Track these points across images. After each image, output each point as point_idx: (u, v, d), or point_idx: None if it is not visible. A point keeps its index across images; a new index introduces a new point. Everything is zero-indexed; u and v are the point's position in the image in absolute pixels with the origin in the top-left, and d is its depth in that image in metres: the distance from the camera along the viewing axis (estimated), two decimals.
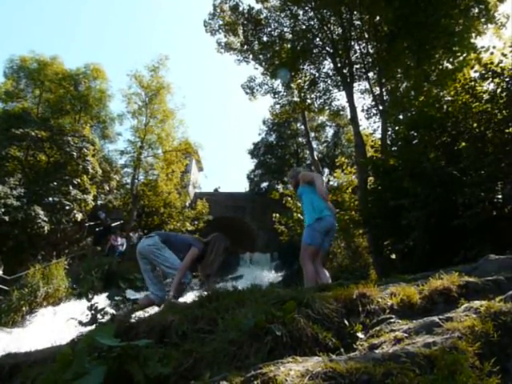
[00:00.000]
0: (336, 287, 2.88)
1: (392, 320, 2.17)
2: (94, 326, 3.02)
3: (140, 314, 3.65)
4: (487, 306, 1.86)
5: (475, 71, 8.07)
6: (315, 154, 21.87)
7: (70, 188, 16.40)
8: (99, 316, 3.06)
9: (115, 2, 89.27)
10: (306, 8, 16.00)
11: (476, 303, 1.95)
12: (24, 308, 11.06)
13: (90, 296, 3.15)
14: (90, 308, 3.05)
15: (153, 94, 22.30)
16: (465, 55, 10.43)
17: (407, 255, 7.67)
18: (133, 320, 3.04)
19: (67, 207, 15.97)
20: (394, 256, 9.23)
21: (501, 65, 7.40)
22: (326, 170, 27.79)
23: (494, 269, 2.76)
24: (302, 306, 2.32)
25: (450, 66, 10.91)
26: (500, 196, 6.23)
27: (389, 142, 11.50)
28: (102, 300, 3.99)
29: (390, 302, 2.38)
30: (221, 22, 18.10)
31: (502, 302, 1.95)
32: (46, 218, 14.87)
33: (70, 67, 22.10)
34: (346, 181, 15.57)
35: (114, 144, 25.05)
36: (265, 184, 31.18)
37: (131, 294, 12.69)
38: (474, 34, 12.30)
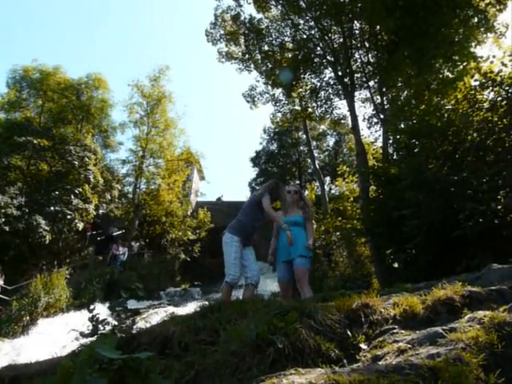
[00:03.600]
0: (338, 297, 2.86)
1: (395, 331, 2.16)
2: (95, 338, 3.01)
3: (142, 324, 3.64)
4: (491, 316, 1.85)
5: (475, 80, 8.08)
6: (317, 162, 21.91)
7: (72, 197, 16.40)
8: (100, 327, 3.04)
9: (117, 12, 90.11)
10: (307, 17, 16.10)
11: (480, 313, 1.94)
12: (24, 318, 10.99)
13: (91, 307, 3.13)
14: (91, 319, 3.03)
15: (154, 104, 22.37)
16: (465, 64, 10.46)
17: (410, 264, 7.63)
18: (134, 331, 3.03)
19: (69, 216, 15.96)
20: (396, 265, 9.19)
21: (500, 74, 7.43)
22: (328, 179, 27.79)
23: (496, 278, 2.75)
24: (305, 316, 2.31)
25: (450, 75, 10.95)
26: (500, 206, 6.19)
27: (390, 151, 11.52)
28: (103, 310, 3.99)
29: (393, 313, 2.37)
30: (222, 32, 18.23)
31: (506, 312, 1.93)
32: (47, 228, 14.87)
33: (73, 77, 22.20)
34: (348, 189, 15.55)
35: (115, 153, 25.08)
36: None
37: (132, 304, 12.65)
38: (473, 44, 12.36)
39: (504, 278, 2.73)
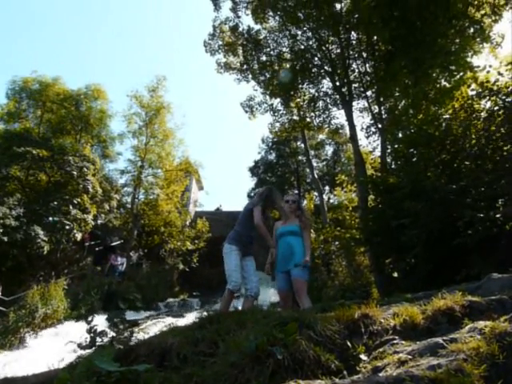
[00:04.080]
0: (338, 307, 2.85)
1: (395, 341, 2.14)
2: (92, 349, 2.98)
3: (140, 336, 3.61)
4: (492, 326, 1.84)
5: (472, 90, 8.14)
6: (315, 171, 21.92)
7: (70, 208, 16.37)
8: (98, 339, 3.01)
9: (116, 24, 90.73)
10: (305, 28, 16.25)
11: (480, 324, 1.93)
12: (22, 330, 10.89)
13: (89, 318, 3.10)
14: (89, 331, 3.01)
15: (153, 114, 22.45)
16: (461, 74, 10.54)
17: (409, 273, 7.62)
18: (132, 343, 3.01)
19: (67, 227, 15.91)
20: (395, 274, 9.16)
21: (497, 83, 7.48)
22: (327, 188, 27.79)
23: (497, 288, 2.74)
24: (304, 327, 2.29)
25: (447, 85, 11.02)
26: (499, 215, 6.19)
27: (388, 160, 11.54)
28: (101, 321, 3.95)
29: (393, 323, 2.36)
30: (220, 43, 18.36)
31: (507, 322, 1.92)
32: (45, 238, 14.81)
33: (72, 88, 22.32)
34: (347, 199, 15.56)
35: (114, 163, 25.11)
36: None
37: (131, 315, 12.56)
38: (470, 54, 12.45)
39: (504, 287, 2.71)
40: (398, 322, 2.34)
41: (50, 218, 15.93)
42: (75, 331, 8.50)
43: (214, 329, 2.73)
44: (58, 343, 8.30)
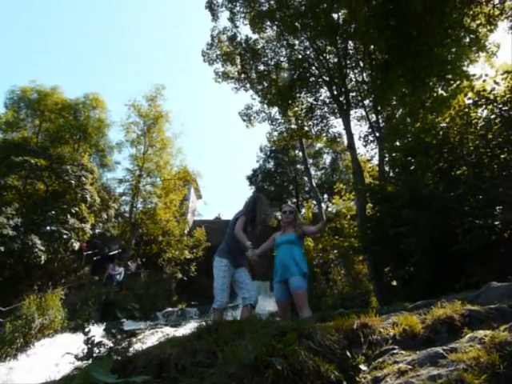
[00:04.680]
0: (337, 317, 2.83)
1: (395, 351, 2.13)
2: (90, 361, 2.95)
3: (138, 346, 3.58)
4: (492, 335, 1.83)
5: (469, 98, 8.19)
6: (313, 180, 21.95)
7: (68, 217, 16.30)
8: (96, 350, 2.99)
9: (114, 33, 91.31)
10: (302, 38, 16.37)
11: (480, 333, 1.92)
12: (18, 340, 10.78)
13: (86, 329, 3.08)
14: (87, 342, 2.98)
15: (151, 123, 22.50)
16: (458, 83, 10.61)
17: (408, 282, 7.60)
18: (130, 353, 2.98)
19: (65, 236, 15.84)
20: (394, 283, 9.15)
21: (493, 92, 7.53)
22: (325, 197, 27.82)
23: (496, 296, 2.73)
24: (303, 337, 2.28)
25: (444, 94, 11.08)
26: (498, 222, 6.19)
27: (386, 169, 11.57)
28: (98, 331, 3.91)
29: (393, 332, 2.34)
30: (218, 52, 18.49)
31: (507, 331, 1.91)
32: (43, 248, 14.74)
33: (70, 97, 22.38)
34: (345, 207, 15.55)
35: (112, 172, 25.08)
36: None
37: (129, 325, 12.46)
38: (466, 63, 12.55)
39: (503, 296, 2.71)
40: (397, 332, 2.33)
41: (48, 228, 15.87)
42: (72, 342, 8.43)
43: (213, 339, 2.70)
44: (55, 354, 8.22)
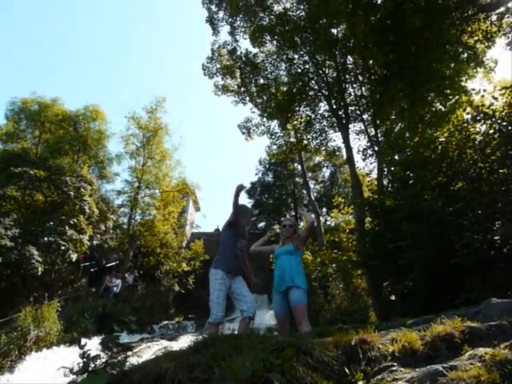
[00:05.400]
0: (335, 332, 2.81)
1: (394, 368, 2.10)
2: (85, 375, 2.92)
3: (134, 360, 3.54)
4: (492, 353, 1.81)
5: (467, 113, 8.24)
6: (312, 193, 21.97)
7: (66, 228, 16.24)
8: (91, 364, 2.95)
9: (115, 45, 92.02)
10: (302, 52, 16.54)
11: (480, 351, 1.90)
12: (13, 353, 10.66)
13: (82, 342, 3.04)
14: (83, 356, 2.94)
15: (150, 135, 22.60)
16: (456, 98, 10.69)
17: (407, 297, 7.56)
18: (126, 368, 2.94)
19: (62, 247, 15.77)
20: (393, 297, 9.08)
21: (492, 107, 7.57)
22: (324, 210, 27.80)
23: (496, 313, 2.71)
24: (301, 353, 2.25)
25: (442, 108, 11.16)
26: (498, 237, 6.18)
27: (385, 183, 11.58)
28: (94, 344, 3.87)
29: (392, 349, 2.32)
30: (218, 66, 18.65)
31: (508, 349, 1.89)
32: (40, 259, 14.65)
33: (70, 109, 22.46)
34: (344, 221, 15.54)
35: (111, 184, 25.06)
36: (262, 224, 31.13)
37: (125, 338, 12.35)
38: (464, 78, 12.67)
39: (504, 312, 2.68)
40: (396, 348, 2.30)
41: (46, 238, 15.81)
42: (68, 354, 8.33)
43: (210, 354, 2.67)
44: (51, 367, 8.12)
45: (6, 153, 18.37)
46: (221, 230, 5.27)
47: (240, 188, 5.04)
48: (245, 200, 33.12)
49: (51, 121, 21.46)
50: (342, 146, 16.54)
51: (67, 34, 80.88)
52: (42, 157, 19.33)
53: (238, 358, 2.44)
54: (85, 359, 2.90)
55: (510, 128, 7.11)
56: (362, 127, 16.13)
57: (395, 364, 2.14)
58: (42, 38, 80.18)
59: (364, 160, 15.00)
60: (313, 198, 21.22)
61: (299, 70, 16.77)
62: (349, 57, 15.70)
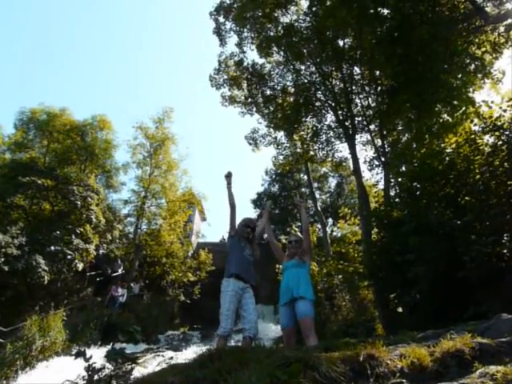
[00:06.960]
0: (342, 346, 2.77)
1: None
2: None
3: (139, 371, 3.51)
4: (504, 372, 1.77)
5: (475, 124, 8.19)
6: (318, 204, 21.90)
7: (73, 237, 16.28)
8: (96, 377, 2.92)
9: (123, 55, 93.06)
10: (308, 63, 16.62)
11: (492, 368, 1.86)
12: (18, 362, 10.63)
13: (87, 355, 3.02)
14: (87, 368, 2.92)
15: (157, 145, 22.73)
16: (464, 109, 10.65)
17: (414, 309, 7.46)
18: (131, 381, 2.92)
19: (69, 256, 15.79)
20: (400, 309, 8.98)
21: (499, 119, 7.52)
22: (330, 221, 27.69)
23: (507, 329, 2.66)
24: (308, 368, 2.22)
25: (450, 120, 11.11)
26: (506, 250, 6.11)
27: (392, 194, 11.52)
28: (99, 354, 3.83)
29: (400, 365, 2.28)
30: (225, 77, 18.76)
31: None
32: (46, 268, 14.66)
33: (78, 119, 22.67)
34: (350, 232, 15.45)
35: (118, 193, 25.20)
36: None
37: (130, 348, 12.25)
38: (471, 89, 12.62)
39: None
40: (405, 364, 2.26)
41: (52, 247, 15.84)
42: (73, 365, 8.28)
43: (216, 368, 2.64)
44: (55, 378, 8.08)
45: (15, 162, 18.52)
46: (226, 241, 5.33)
47: (228, 175, 5.25)
48: (251, 210, 33.12)
49: (59, 130, 21.66)
50: (349, 156, 16.56)
51: (77, 45, 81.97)
52: (49, 166, 19.46)
53: (244, 372, 2.40)
54: (89, 372, 2.88)
55: None
56: (369, 138, 16.14)
57: (404, 381, 2.11)
58: (52, 49, 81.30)
59: (370, 171, 14.98)
60: (319, 208, 21.15)
61: (306, 81, 16.84)
62: (356, 68, 15.75)
